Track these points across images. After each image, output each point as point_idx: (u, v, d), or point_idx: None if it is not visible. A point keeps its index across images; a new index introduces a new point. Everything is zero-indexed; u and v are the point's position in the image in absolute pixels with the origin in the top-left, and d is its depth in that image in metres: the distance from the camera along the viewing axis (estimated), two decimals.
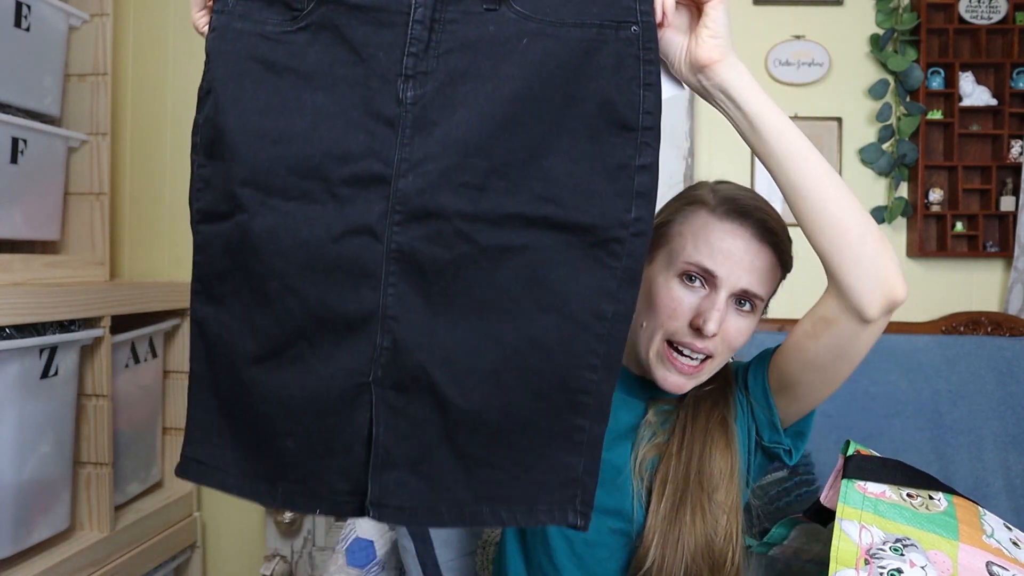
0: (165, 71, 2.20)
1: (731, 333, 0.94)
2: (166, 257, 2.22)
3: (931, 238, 2.12)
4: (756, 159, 2.11)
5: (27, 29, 1.67)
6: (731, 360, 1.04)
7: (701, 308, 0.93)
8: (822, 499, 0.94)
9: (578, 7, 0.71)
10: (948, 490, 0.90)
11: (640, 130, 0.72)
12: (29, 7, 1.66)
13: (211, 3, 0.76)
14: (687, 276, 0.94)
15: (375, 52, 0.72)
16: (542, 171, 0.71)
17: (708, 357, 0.95)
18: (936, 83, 2.08)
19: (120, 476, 1.83)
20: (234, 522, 2.21)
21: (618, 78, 0.72)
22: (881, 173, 2.11)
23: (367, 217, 0.71)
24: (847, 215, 0.80)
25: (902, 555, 0.78)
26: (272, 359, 0.74)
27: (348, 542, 1.43)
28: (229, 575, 2.23)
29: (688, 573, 0.92)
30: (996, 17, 2.05)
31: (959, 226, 2.08)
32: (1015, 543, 0.86)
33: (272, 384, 0.74)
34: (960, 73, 2.07)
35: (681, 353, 0.95)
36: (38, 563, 1.52)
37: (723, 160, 2.13)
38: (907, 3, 2.09)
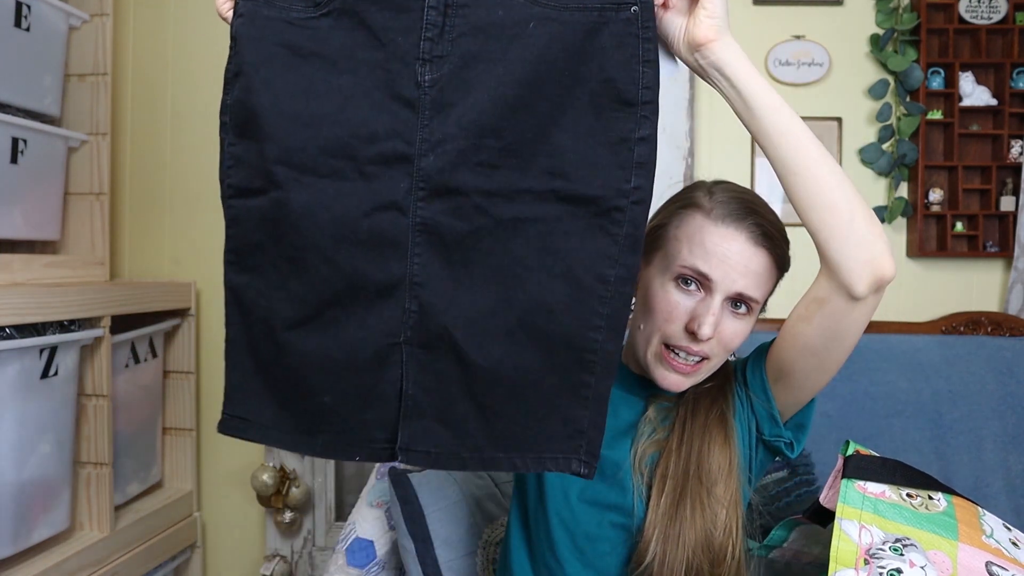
0: (165, 71, 2.20)
1: (727, 335, 0.96)
2: (166, 257, 2.22)
3: (931, 238, 2.12)
4: (756, 160, 2.11)
5: (27, 29, 1.67)
6: (730, 358, 1.05)
7: (697, 312, 0.94)
8: (821, 500, 0.94)
9: None
10: (947, 490, 0.91)
11: (639, 104, 0.77)
12: (29, 7, 1.66)
13: None
14: (683, 279, 0.95)
15: (394, 36, 0.77)
16: (549, 147, 0.77)
17: (704, 359, 0.96)
18: (936, 83, 2.08)
19: (120, 476, 1.83)
20: (234, 522, 2.21)
21: (619, 56, 0.76)
22: (881, 173, 2.11)
23: (394, 193, 0.78)
24: (837, 192, 0.83)
25: (902, 555, 0.79)
26: (308, 324, 0.81)
27: (348, 542, 1.43)
28: (229, 575, 2.23)
29: (689, 567, 0.93)
30: (996, 17, 2.05)
31: (959, 226, 2.08)
32: (1014, 543, 0.86)
33: (308, 346, 0.81)
34: (960, 73, 2.07)
35: (678, 354, 0.96)
36: (38, 563, 1.52)
37: (723, 160, 2.13)
38: (907, 3, 2.09)
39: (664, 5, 0.80)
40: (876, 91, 2.10)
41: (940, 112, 2.08)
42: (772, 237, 0.96)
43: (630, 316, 0.95)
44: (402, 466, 1.45)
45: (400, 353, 0.80)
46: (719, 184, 1.01)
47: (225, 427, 0.88)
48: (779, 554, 1.17)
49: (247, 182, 0.82)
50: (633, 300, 0.88)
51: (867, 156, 2.10)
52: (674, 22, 0.81)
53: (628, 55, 0.76)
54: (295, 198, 0.79)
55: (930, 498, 0.88)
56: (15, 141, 1.64)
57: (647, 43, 0.76)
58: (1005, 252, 2.07)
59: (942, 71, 2.09)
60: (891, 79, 2.09)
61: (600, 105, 0.77)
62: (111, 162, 1.91)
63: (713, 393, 1.01)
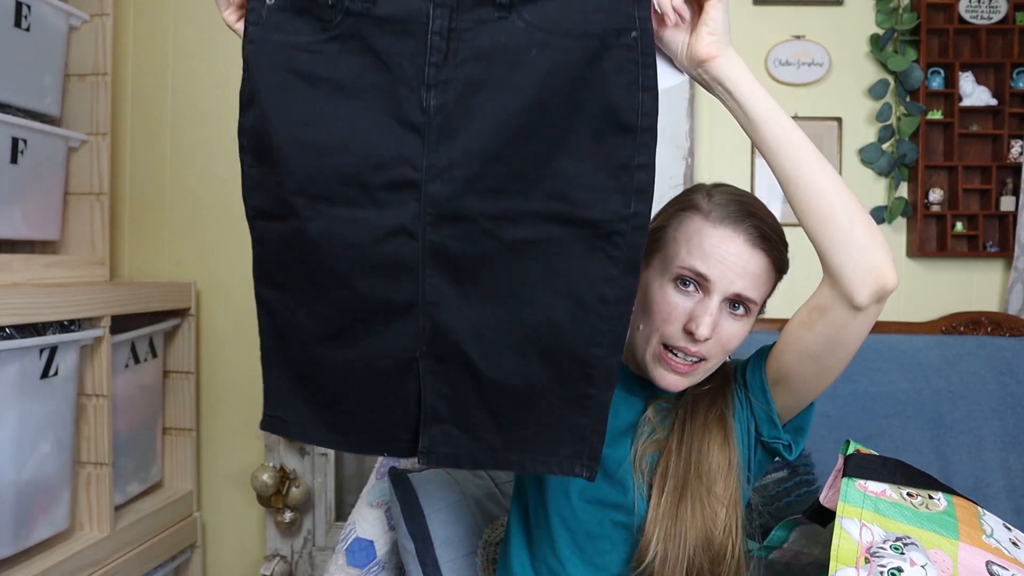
0: (165, 71, 2.20)
1: (725, 336, 0.96)
2: (166, 257, 2.22)
3: (931, 238, 2.12)
4: (756, 160, 2.11)
5: (27, 29, 1.67)
6: (729, 359, 1.05)
7: (695, 312, 0.95)
8: (821, 499, 0.94)
9: (582, 16, 0.77)
10: (948, 490, 0.91)
11: (639, 131, 0.79)
12: (29, 7, 1.66)
13: (243, 6, 0.82)
14: (681, 280, 0.96)
15: (399, 61, 0.79)
16: (552, 172, 0.80)
17: (702, 360, 0.97)
18: (936, 83, 2.08)
19: (120, 476, 1.83)
20: (234, 522, 2.21)
21: (619, 82, 0.78)
22: (881, 173, 2.11)
23: (403, 218, 0.81)
24: (836, 201, 0.84)
25: (902, 554, 0.79)
26: (334, 339, 0.87)
27: (348, 542, 1.43)
28: (229, 575, 2.23)
29: (690, 565, 0.94)
30: (996, 17, 2.05)
31: (959, 226, 2.08)
32: (1014, 543, 0.86)
33: (337, 359, 0.87)
34: (960, 73, 2.07)
35: (676, 354, 0.97)
36: (38, 563, 1.52)
37: (723, 160, 2.13)
38: (907, 3, 2.09)
39: (663, 22, 0.81)
40: (876, 91, 2.10)
41: (940, 112, 2.08)
42: (770, 239, 0.96)
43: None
44: (402, 466, 1.45)
45: (417, 365, 0.85)
46: (718, 187, 1.01)
47: (267, 425, 0.93)
48: (779, 555, 1.17)
49: (268, 206, 0.85)
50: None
51: (867, 156, 2.10)
52: (677, 37, 0.83)
53: (628, 81, 0.78)
54: (312, 227, 0.83)
55: (930, 497, 0.88)
56: (15, 141, 1.64)
57: (647, 69, 0.78)
58: (1005, 252, 2.07)
59: (942, 71, 2.09)
60: (891, 79, 2.09)
61: (600, 130, 0.79)
62: (111, 162, 1.91)
63: (712, 393, 1.02)
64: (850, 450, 0.94)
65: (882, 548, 0.80)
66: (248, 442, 2.17)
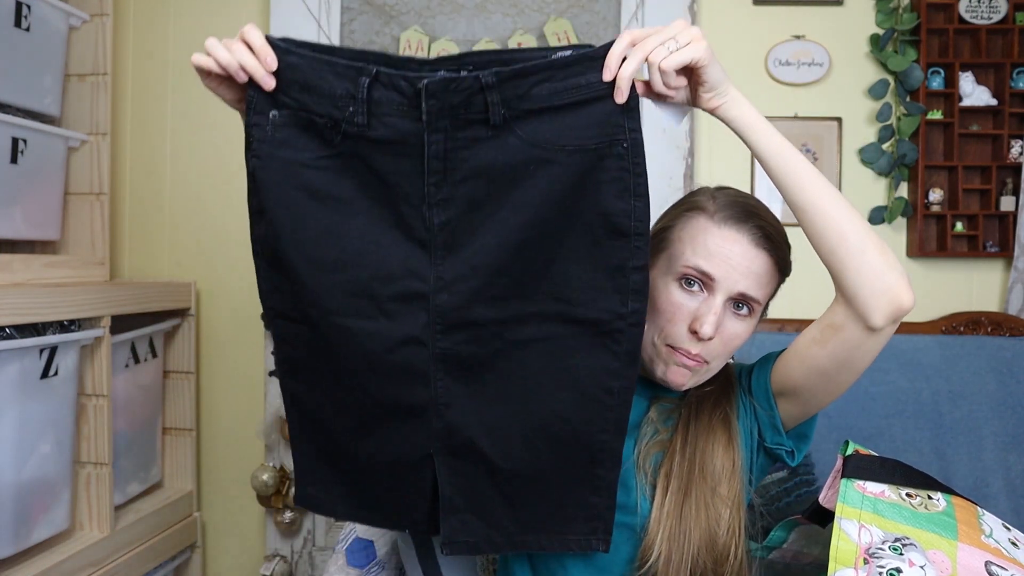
0: (165, 71, 2.20)
1: (728, 335, 0.97)
2: (166, 257, 2.22)
3: (931, 238, 2.12)
4: (755, 162, 2.11)
5: (27, 29, 1.67)
6: (732, 361, 1.05)
7: (699, 312, 0.95)
8: (821, 500, 0.94)
9: (576, 132, 0.80)
10: (947, 490, 0.91)
11: (632, 236, 0.83)
12: (29, 7, 1.66)
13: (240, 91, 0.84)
14: (685, 280, 0.96)
15: (398, 180, 0.83)
16: (553, 275, 0.85)
17: (705, 362, 0.97)
18: (936, 83, 2.08)
19: (120, 476, 1.83)
20: (234, 522, 2.21)
21: (613, 190, 0.82)
22: (881, 173, 2.11)
23: (413, 328, 0.86)
24: (846, 226, 0.85)
25: (901, 554, 0.79)
26: (356, 432, 0.92)
27: (348, 542, 1.43)
28: (229, 575, 2.23)
29: (694, 565, 0.94)
30: (996, 17, 2.05)
31: (959, 226, 2.08)
32: (1014, 543, 0.86)
33: (360, 451, 0.93)
34: (960, 73, 2.06)
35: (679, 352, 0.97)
36: (38, 563, 1.52)
37: (723, 160, 2.13)
38: (907, 3, 2.09)
39: (647, 94, 0.84)
40: (876, 91, 2.09)
41: (940, 112, 2.08)
42: (773, 240, 0.97)
43: None
44: None
45: (432, 460, 0.90)
46: (722, 189, 1.03)
47: (301, 501, 0.99)
48: (779, 555, 1.17)
49: (287, 310, 0.90)
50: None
51: (867, 156, 2.10)
52: (680, 96, 0.87)
53: (620, 189, 0.82)
54: (328, 335, 0.87)
55: (929, 498, 0.88)
56: (15, 141, 1.64)
57: (638, 178, 0.81)
58: (1005, 252, 2.06)
59: (942, 71, 2.09)
60: (891, 79, 2.09)
61: (597, 236, 0.83)
62: (111, 162, 1.91)
63: (716, 395, 1.02)
64: (849, 451, 0.94)
65: (881, 549, 0.80)
66: (248, 442, 2.17)
